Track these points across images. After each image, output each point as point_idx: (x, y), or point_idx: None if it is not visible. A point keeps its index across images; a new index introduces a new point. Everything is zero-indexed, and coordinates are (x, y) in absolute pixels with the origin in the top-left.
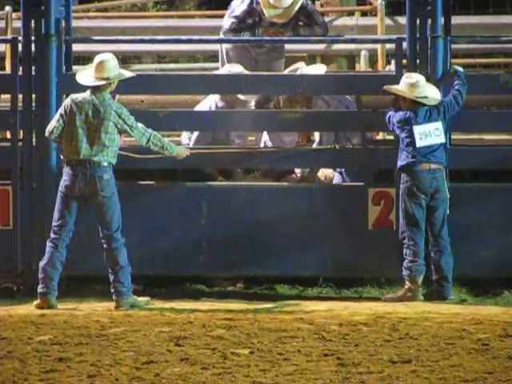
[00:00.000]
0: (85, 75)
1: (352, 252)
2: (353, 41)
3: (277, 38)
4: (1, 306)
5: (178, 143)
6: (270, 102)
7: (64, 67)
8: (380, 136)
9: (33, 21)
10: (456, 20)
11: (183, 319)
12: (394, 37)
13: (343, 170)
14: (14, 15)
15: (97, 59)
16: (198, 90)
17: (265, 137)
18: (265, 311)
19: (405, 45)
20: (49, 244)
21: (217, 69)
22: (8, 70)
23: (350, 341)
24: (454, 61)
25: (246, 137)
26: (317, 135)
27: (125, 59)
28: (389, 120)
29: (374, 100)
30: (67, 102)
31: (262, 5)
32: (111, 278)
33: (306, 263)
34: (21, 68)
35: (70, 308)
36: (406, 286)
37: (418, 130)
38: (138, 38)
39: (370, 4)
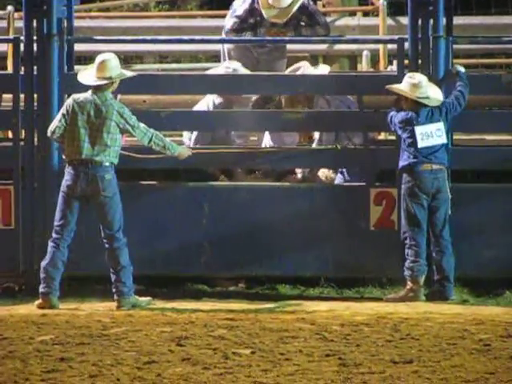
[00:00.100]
0: (86, 75)
1: (354, 252)
2: (355, 41)
3: (279, 38)
4: (2, 306)
5: (180, 143)
6: (271, 102)
7: (66, 67)
8: (382, 136)
9: (35, 20)
10: (458, 20)
11: (185, 319)
12: (396, 37)
13: (345, 170)
14: (16, 15)
15: (98, 59)
16: (199, 90)
17: (266, 139)
18: (266, 311)
19: (407, 45)
20: (50, 244)
21: None
22: (10, 69)
23: (351, 341)
24: (455, 61)
25: (247, 137)
26: (316, 134)
27: (127, 59)
28: (391, 120)
29: (376, 100)
30: (69, 101)
31: (260, 5)
32: (113, 277)
33: (307, 263)
34: (23, 68)
35: (72, 308)
36: (408, 287)
37: (419, 130)
38: (140, 37)
39: (372, 4)
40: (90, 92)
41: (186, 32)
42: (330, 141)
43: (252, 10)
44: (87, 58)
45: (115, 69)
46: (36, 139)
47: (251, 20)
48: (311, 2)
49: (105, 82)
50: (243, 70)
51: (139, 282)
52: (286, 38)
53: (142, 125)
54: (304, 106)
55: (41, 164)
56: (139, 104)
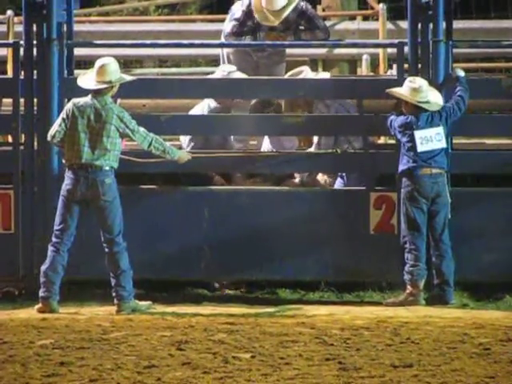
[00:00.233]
0: (86, 79)
1: (353, 256)
2: (354, 45)
3: (278, 42)
4: (2, 310)
5: (180, 147)
6: (269, 107)
7: (66, 71)
8: (382, 140)
9: (34, 25)
10: (457, 24)
11: (185, 323)
12: (396, 41)
13: (344, 174)
14: (16, 19)
15: (98, 63)
16: (199, 95)
17: (265, 144)
18: (266, 315)
19: (406, 49)
20: (50, 248)
21: None
22: (10, 74)
23: (351, 345)
24: (455, 65)
25: (247, 141)
26: (315, 137)
27: (126, 63)
28: (390, 124)
29: (376, 104)
30: (69, 106)
31: (253, 8)
32: (113, 282)
33: (307, 267)
34: (22, 72)
35: (72, 312)
36: (408, 291)
37: (419, 134)
38: (140, 42)
39: (372, 8)
40: (89, 96)
41: (186, 36)
42: (329, 145)
43: (249, 12)
44: (87, 63)
45: (115, 73)
46: (36, 143)
47: (249, 22)
48: (309, 7)
49: (104, 86)
50: (238, 74)
51: (139, 287)
52: (286, 43)
53: (141, 129)
54: (304, 110)
55: (41, 168)
56: (139, 108)
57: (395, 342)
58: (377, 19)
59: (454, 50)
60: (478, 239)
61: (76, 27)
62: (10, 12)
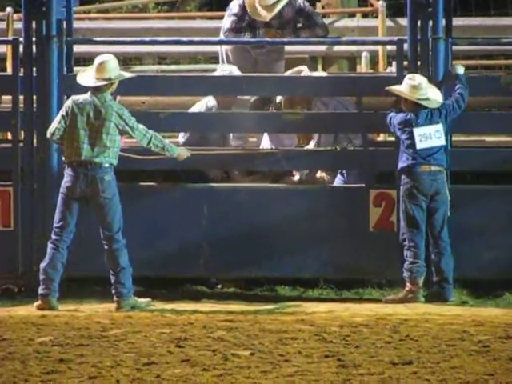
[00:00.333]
0: (86, 76)
1: (353, 253)
2: (354, 42)
3: (277, 39)
4: (2, 307)
5: (179, 144)
6: (269, 104)
7: (65, 68)
8: (381, 137)
9: (34, 22)
10: (457, 22)
11: (184, 320)
12: (395, 38)
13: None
14: (15, 16)
15: (97, 60)
16: (199, 92)
17: (264, 141)
18: (265, 312)
19: (406, 46)
20: (50, 245)
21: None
22: (9, 71)
23: (350, 342)
24: (455, 62)
25: (246, 138)
26: (315, 135)
27: (126, 60)
28: (390, 121)
29: (375, 101)
30: (68, 103)
31: (246, 3)
32: (112, 279)
33: (306, 265)
34: (22, 69)
35: (71, 309)
36: (407, 288)
37: (418, 132)
38: (139, 39)
39: (371, 5)
40: (89, 93)
41: (185, 33)
42: (328, 142)
43: (245, 7)
44: (86, 60)
45: (114, 70)
46: (35, 140)
47: (247, 17)
48: (307, 4)
49: (104, 83)
50: (238, 73)
51: (138, 284)
52: (285, 40)
53: (141, 126)
54: (303, 107)
55: (40, 165)
56: (138, 105)
57: (394, 339)
58: (376, 16)
59: (454, 48)
60: (478, 236)
61: (75, 24)
62: (9, 9)
